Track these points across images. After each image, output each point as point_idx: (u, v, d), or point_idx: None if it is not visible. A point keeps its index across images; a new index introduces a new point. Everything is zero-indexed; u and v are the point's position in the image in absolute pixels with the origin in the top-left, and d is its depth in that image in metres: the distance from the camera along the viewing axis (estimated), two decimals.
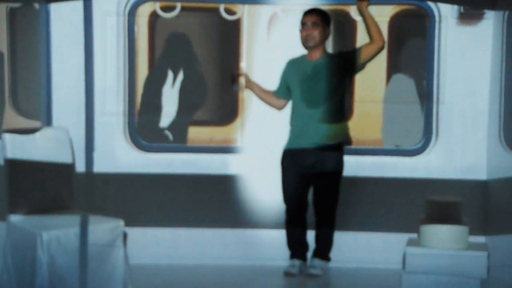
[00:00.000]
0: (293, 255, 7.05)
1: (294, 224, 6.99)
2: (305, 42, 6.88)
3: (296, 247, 7.04)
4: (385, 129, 8.14)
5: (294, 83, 6.91)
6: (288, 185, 6.93)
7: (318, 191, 6.90)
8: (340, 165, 6.87)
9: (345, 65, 6.82)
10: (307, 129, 6.82)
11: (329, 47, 7.31)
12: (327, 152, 6.80)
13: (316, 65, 6.85)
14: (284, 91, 7.00)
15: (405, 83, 7.99)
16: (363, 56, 6.74)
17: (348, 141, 6.90)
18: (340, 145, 6.85)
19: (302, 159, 6.84)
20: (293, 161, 6.88)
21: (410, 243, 6.55)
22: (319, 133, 6.79)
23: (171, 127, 8.24)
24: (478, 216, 7.03)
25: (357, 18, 8.12)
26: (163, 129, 8.21)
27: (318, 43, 6.85)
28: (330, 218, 6.93)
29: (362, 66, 6.84)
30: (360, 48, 6.81)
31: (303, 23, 6.87)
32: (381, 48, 6.76)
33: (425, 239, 6.45)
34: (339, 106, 6.83)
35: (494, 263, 6.39)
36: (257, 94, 7.10)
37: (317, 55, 6.87)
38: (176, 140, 8.16)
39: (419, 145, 7.28)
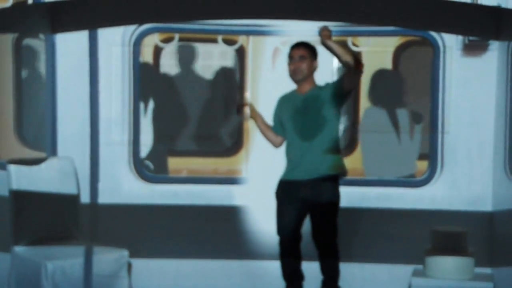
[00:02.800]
0: (288, 286, 7.00)
1: (288, 255, 6.94)
2: (293, 75, 6.85)
3: (291, 277, 6.98)
4: (365, 160, 8.08)
5: (286, 117, 6.90)
6: (282, 216, 6.88)
7: (315, 222, 6.84)
8: (336, 196, 6.81)
9: (332, 96, 6.79)
10: (302, 161, 6.78)
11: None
12: (323, 183, 6.77)
13: (305, 98, 6.84)
14: (279, 128, 6.98)
15: (378, 114, 7.94)
16: (345, 84, 6.71)
17: (343, 172, 6.86)
18: (336, 177, 6.81)
19: (297, 191, 6.80)
20: (287, 192, 6.85)
21: (416, 274, 6.53)
22: (314, 164, 6.76)
23: (150, 156, 8.14)
24: (484, 247, 6.99)
25: (363, 48, 8.13)
26: (143, 159, 8.10)
27: (306, 76, 6.82)
28: (332, 248, 6.86)
29: (347, 95, 6.81)
30: (341, 78, 6.78)
31: (290, 57, 6.85)
32: (360, 70, 6.64)
33: (431, 270, 6.43)
34: (332, 137, 6.81)
35: None
36: (259, 127, 7.06)
37: (306, 88, 6.86)
38: (156, 170, 8.07)
39: (425, 176, 7.27)
